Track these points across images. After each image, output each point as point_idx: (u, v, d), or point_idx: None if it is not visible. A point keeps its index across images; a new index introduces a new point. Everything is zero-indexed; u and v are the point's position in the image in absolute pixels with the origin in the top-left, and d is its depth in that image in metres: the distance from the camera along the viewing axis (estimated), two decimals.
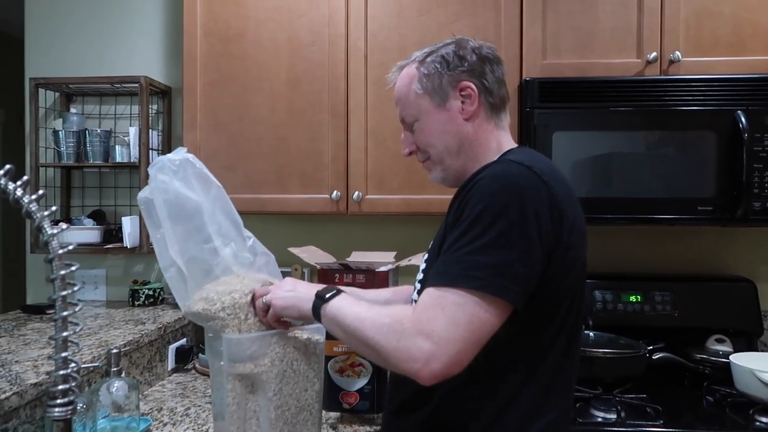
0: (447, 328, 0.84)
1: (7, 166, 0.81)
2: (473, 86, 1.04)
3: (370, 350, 0.92)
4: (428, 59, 1.07)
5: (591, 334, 1.76)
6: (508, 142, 1.09)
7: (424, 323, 0.85)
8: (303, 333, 1.15)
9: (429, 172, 1.12)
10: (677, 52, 1.69)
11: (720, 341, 1.78)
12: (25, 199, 0.79)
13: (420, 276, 1.11)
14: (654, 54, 1.70)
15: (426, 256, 1.11)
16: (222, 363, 1.08)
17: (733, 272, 2.01)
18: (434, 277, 0.90)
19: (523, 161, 0.94)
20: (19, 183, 0.80)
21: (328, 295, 1.00)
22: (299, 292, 1.05)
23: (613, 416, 1.49)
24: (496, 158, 1.03)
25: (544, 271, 0.90)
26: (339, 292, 1.00)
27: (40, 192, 0.82)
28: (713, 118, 1.63)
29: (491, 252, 0.86)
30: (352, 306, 0.97)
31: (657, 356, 1.68)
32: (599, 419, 1.50)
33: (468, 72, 1.04)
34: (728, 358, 1.60)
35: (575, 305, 0.98)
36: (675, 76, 1.69)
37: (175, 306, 2.05)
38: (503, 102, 1.08)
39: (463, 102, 1.04)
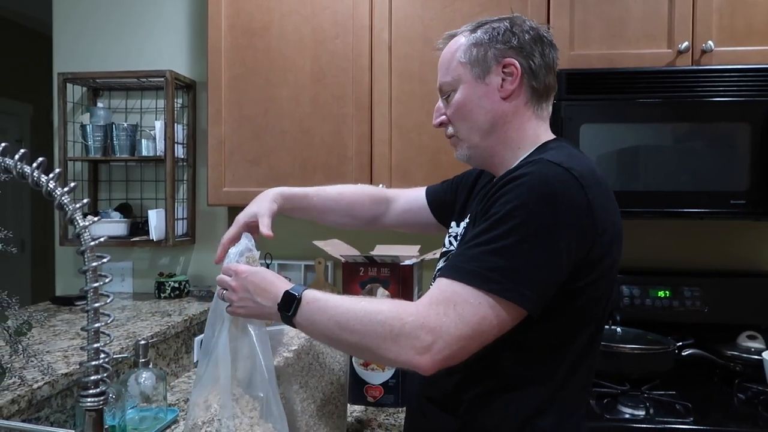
0: (455, 325, 0.82)
1: (40, 159, 0.82)
2: (517, 65, 0.97)
3: (362, 350, 0.89)
4: (479, 30, 1.02)
5: (618, 329, 1.74)
6: (546, 134, 1.03)
7: (431, 317, 0.83)
8: None
9: (455, 148, 1.07)
10: (710, 42, 1.65)
11: (752, 338, 1.74)
12: (58, 192, 0.80)
13: (440, 264, 1.10)
14: (686, 44, 1.66)
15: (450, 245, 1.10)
16: None
17: (765, 267, 1.97)
18: (450, 269, 0.87)
19: (562, 162, 0.88)
20: (51, 176, 0.81)
21: (293, 307, 0.92)
22: (260, 303, 0.96)
23: (642, 413, 1.47)
24: (531, 150, 0.99)
25: (577, 281, 0.88)
26: (300, 297, 0.92)
27: (72, 184, 0.83)
28: (747, 109, 1.59)
29: (513, 255, 0.83)
30: (326, 309, 0.90)
31: (686, 352, 1.65)
32: (627, 415, 1.48)
33: (516, 49, 0.98)
34: (761, 355, 1.57)
35: (606, 310, 0.97)
36: (707, 66, 1.65)
37: (200, 298, 2.08)
38: (547, 90, 1.02)
39: (503, 79, 0.98)
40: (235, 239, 1.10)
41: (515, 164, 0.99)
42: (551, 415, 0.93)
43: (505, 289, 0.82)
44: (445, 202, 1.27)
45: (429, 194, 1.32)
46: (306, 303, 0.92)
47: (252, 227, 1.12)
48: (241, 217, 1.12)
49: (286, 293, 0.93)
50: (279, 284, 0.96)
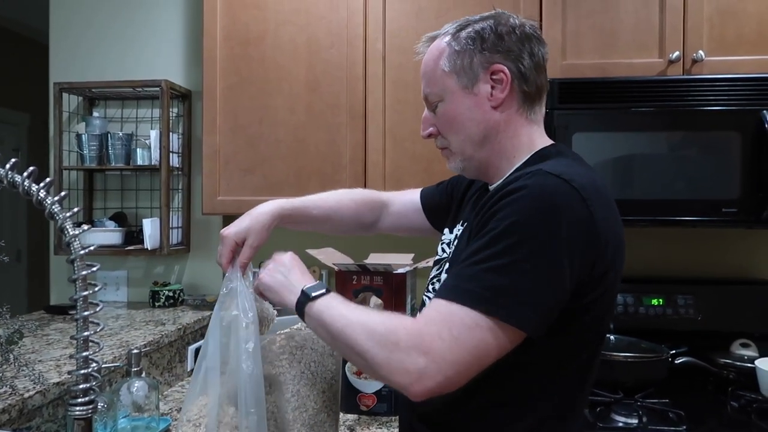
0: (450, 349, 0.76)
1: (31, 168, 0.82)
2: (506, 70, 0.92)
3: (357, 357, 0.84)
4: (462, 34, 0.95)
5: (612, 337, 1.74)
6: (541, 138, 0.98)
7: (425, 338, 0.77)
8: None
9: (447, 160, 1.03)
10: (700, 51, 1.67)
11: (745, 346, 1.74)
12: (48, 201, 0.80)
13: (433, 273, 1.08)
14: (677, 53, 1.67)
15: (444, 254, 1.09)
16: None
17: (758, 275, 1.97)
18: (446, 289, 0.82)
19: (561, 173, 0.83)
20: (42, 184, 0.81)
21: (314, 294, 0.91)
22: (290, 280, 0.96)
23: (635, 421, 1.47)
24: (527, 157, 0.96)
25: (582, 299, 0.83)
26: (327, 291, 0.92)
27: (63, 193, 0.83)
28: (738, 118, 1.60)
29: (512, 275, 0.78)
30: (339, 308, 0.88)
31: (680, 360, 1.65)
32: (620, 424, 1.48)
33: (503, 53, 0.92)
34: (753, 363, 1.57)
35: (609, 324, 0.93)
36: (698, 75, 1.66)
37: (195, 307, 2.07)
38: (539, 92, 0.96)
39: (493, 87, 0.93)
40: (231, 260, 1.04)
41: (512, 170, 0.96)
42: (550, 430, 0.90)
43: (505, 310, 0.77)
44: (439, 207, 1.24)
45: (423, 198, 1.28)
46: (331, 297, 0.91)
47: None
48: (231, 236, 1.05)
49: (319, 283, 0.93)
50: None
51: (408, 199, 1.31)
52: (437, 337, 0.77)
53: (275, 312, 1.10)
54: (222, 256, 1.05)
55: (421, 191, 1.30)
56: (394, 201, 1.31)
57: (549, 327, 0.82)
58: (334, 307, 0.88)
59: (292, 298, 0.93)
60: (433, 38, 1.01)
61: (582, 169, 0.89)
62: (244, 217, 1.08)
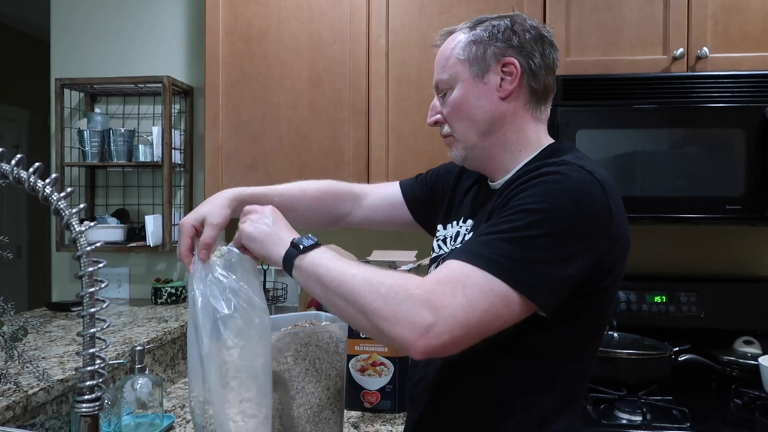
0: (462, 309, 0.75)
1: (36, 164, 0.82)
2: (517, 64, 0.95)
3: (356, 311, 0.80)
4: (478, 27, 0.99)
5: (615, 335, 1.74)
6: (546, 137, 1.01)
7: (437, 294, 0.76)
8: (325, 331, 1.15)
9: (450, 148, 1.03)
10: (705, 48, 1.66)
11: (748, 343, 1.74)
12: (54, 197, 0.80)
13: (431, 270, 1.08)
14: (681, 50, 1.67)
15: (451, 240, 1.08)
16: None
17: (761, 273, 1.97)
18: (461, 253, 0.82)
19: (584, 165, 0.86)
20: (48, 181, 0.81)
21: (305, 245, 0.87)
22: (275, 230, 0.91)
23: (639, 418, 1.47)
24: (535, 153, 0.97)
25: (592, 286, 0.85)
26: (318, 244, 0.88)
27: (69, 189, 0.82)
28: (742, 115, 1.60)
29: (530, 249, 0.80)
30: (336, 260, 0.84)
31: (683, 358, 1.65)
32: (624, 421, 1.48)
33: (516, 49, 0.95)
34: (757, 360, 1.57)
35: (608, 318, 0.97)
36: (702, 72, 1.66)
37: None
38: (546, 92, 0.99)
39: (502, 79, 0.96)
40: (191, 248, 0.98)
41: (518, 167, 0.97)
42: (564, 420, 0.92)
43: (519, 279, 0.78)
44: (421, 200, 1.23)
45: (405, 190, 1.25)
46: (323, 249, 0.87)
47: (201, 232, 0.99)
48: (189, 221, 0.99)
49: (308, 236, 0.89)
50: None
51: (387, 191, 1.27)
52: (450, 295, 0.76)
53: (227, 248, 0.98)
54: (180, 244, 0.98)
55: (401, 183, 1.27)
56: (369, 193, 1.27)
57: (562, 313, 0.84)
58: (330, 260, 0.85)
59: (280, 251, 0.88)
60: (451, 32, 1.03)
61: (597, 165, 0.92)
62: (201, 204, 1.04)
